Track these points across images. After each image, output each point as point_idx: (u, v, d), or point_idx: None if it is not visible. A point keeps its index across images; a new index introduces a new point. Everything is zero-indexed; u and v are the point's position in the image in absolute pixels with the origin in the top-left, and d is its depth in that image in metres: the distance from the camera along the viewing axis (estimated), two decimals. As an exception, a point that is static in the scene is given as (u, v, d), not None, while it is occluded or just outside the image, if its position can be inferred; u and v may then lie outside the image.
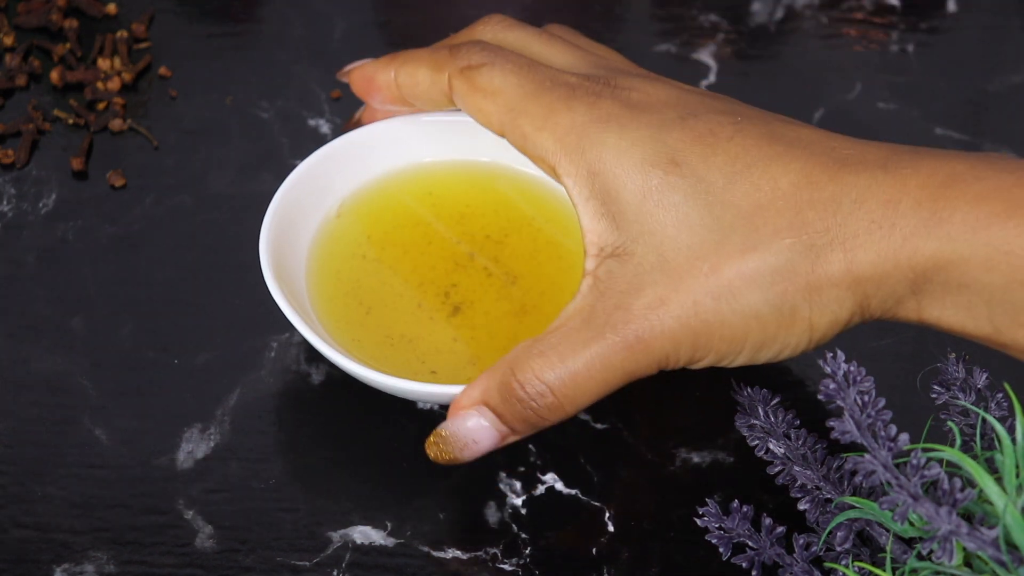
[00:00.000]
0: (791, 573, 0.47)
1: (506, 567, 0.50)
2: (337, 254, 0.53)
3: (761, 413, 0.49)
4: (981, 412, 0.46)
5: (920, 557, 0.44)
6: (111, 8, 0.65)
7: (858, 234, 0.44)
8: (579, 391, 0.46)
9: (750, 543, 0.48)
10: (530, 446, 0.52)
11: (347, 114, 0.62)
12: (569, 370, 0.45)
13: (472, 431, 0.47)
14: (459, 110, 0.52)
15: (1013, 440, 0.43)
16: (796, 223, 0.45)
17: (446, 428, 0.47)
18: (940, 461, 0.44)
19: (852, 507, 0.45)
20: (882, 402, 0.44)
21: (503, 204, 0.54)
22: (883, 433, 0.44)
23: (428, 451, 0.48)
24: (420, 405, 0.53)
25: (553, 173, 0.48)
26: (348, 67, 0.54)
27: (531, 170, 0.54)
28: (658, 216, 0.46)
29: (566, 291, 0.50)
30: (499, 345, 0.49)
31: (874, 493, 0.46)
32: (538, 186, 0.54)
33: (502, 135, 0.50)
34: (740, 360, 0.47)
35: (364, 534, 0.50)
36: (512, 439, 0.47)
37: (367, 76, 0.53)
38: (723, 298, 0.45)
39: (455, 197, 0.54)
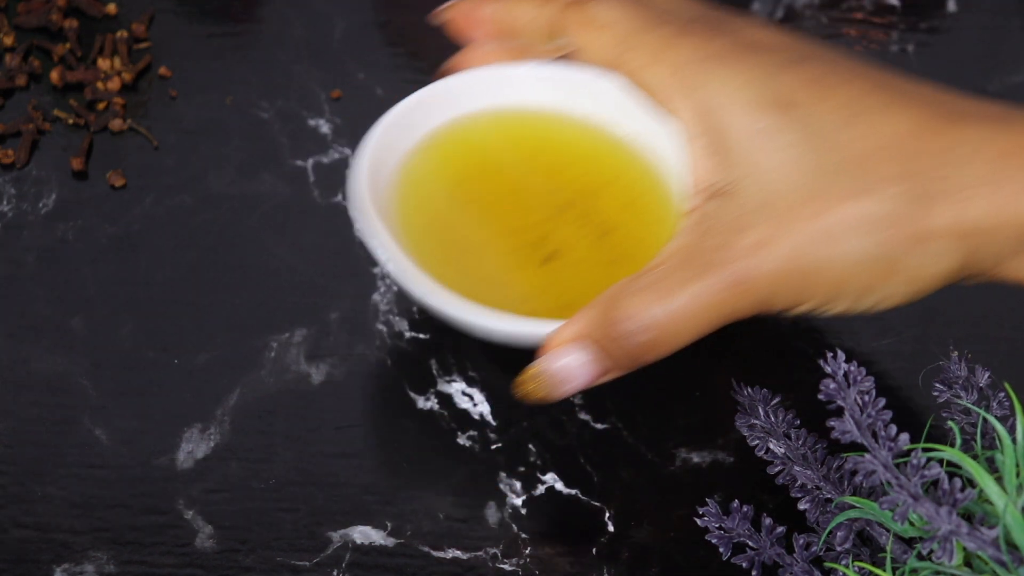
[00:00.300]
0: (791, 573, 0.47)
1: (506, 567, 0.50)
2: (430, 198, 0.52)
3: (761, 413, 0.49)
4: (981, 412, 0.46)
5: (920, 557, 0.44)
6: (111, 8, 0.65)
7: (968, 187, 0.44)
8: (681, 328, 0.45)
9: (750, 543, 0.48)
10: (530, 446, 0.52)
11: (347, 114, 0.62)
12: (670, 308, 0.45)
13: (568, 368, 0.46)
14: (553, 61, 0.51)
15: (1013, 440, 0.43)
16: (906, 172, 0.44)
17: (541, 365, 0.46)
18: (940, 461, 0.44)
19: (852, 507, 0.45)
20: (882, 402, 0.44)
21: (596, 157, 0.53)
22: (883, 433, 0.44)
23: (519, 390, 0.47)
24: (422, 404, 0.53)
25: (664, 107, 0.48)
26: (443, 6, 0.53)
27: (624, 127, 0.53)
28: (767, 156, 0.45)
29: (659, 244, 0.49)
30: (592, 293, 0.48)
31: (874, 493, 0.46)
32: (630, 143, 0.53)
33: (612, 69, 0.49)
34: (838, 308, 0.46)
35: (364, 534, 0.50)
36: (610, 376, 0.47)
37: (467, 11, 0.52)
38: (827, 242, 0.44)
39: (549, 147, 0.53)
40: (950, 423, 0.47)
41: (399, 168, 0.52)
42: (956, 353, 0.49)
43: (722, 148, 0.46)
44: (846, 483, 0.47)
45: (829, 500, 0.47)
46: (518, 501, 0.51)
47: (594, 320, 0.46)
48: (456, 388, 0.54)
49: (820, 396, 0.45)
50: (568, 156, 0.53)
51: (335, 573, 0.50)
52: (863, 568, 0.46)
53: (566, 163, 0.53)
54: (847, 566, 0.46)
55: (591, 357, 0.46)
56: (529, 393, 0.47)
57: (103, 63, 0.63)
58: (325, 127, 0.62)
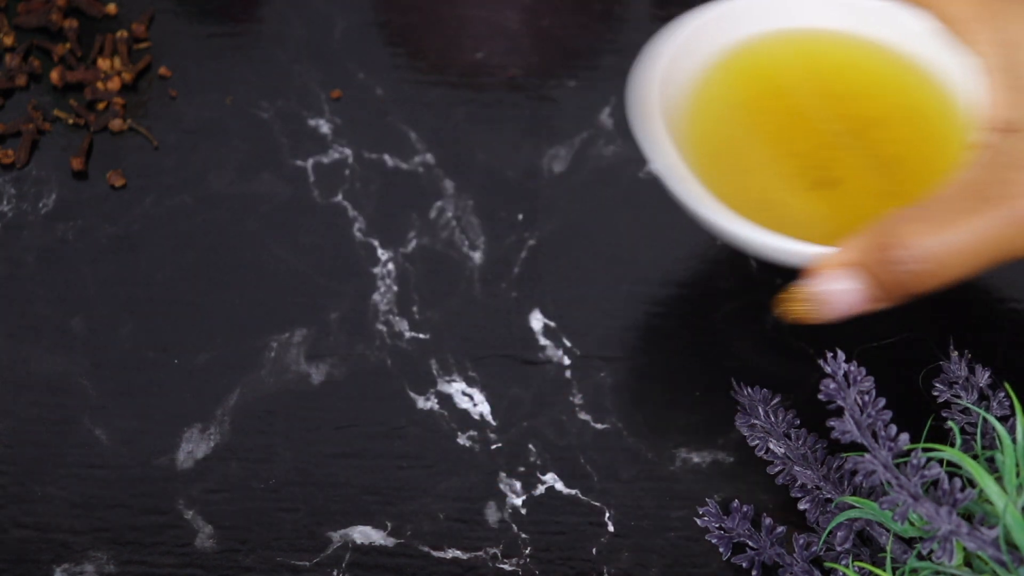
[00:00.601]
0: (791, 573, 0.47)
1: (506, 567, 0.50)
2: (716, 118, 0.52)
3: (761, 413, 0.49)
4: (981, 412, 0.46)
5: (920, 557, 0.44)
6: (111, 8, 0.65)
7: None
8: (956, 261, 0.44)
9: (750, 543, 0.48)
10: (530, 446, 0.52)
11: (347, 114, 0.62)
12: (947, 239, 0.44)
13: (835, 292, 0.46)
14: None
15: (1013, 440, 0.43)
16: None
17: (810, 287, 0.46)
18: (940, 461, 0.44)
19: (852, 507, 0.45)
20: (882, 402, 0.44)
21: (885, 85, 0.52)
22: (883, 433, 0.44)
23: (778, 307, 0.47)
24: (422, 404, 0.53)
25: (964, 39, 0.48)
26: None
27: (915, 56, 0.52)
28: None
29: (941, 176, 0.49)
30: (867, 223, 0.47)
31: (874, 493, 0.46)
32: (920, 73, 0.52)
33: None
34: None
35: (364, 534, 0.50)
36: (877, 306, 0.46)
37: None
38: None
39: (838, 72, 0.53)
40: (950, 423, 0.47)
41: (687, 86, 0.52)
42: (956, 353, 0.49)
43: (1022, 84, 0.46)
44: (846, 483, 0.47)
45: (829, 500, 0.47)
46: (518, 501, 0.51)
47: (867, 246, 0.45)
48: (456, 388, 0.54)
49: (820, 396, 0.45)
50: (856, 82, 0.52)
51: (335, 573, 0.50)
52: (863, 568, 0.46)
53: (854, 89, 0.52)
54: (847, 566, 0.46)
55: (860, 284, 0.45)
56: (790, 312, 0.46)
57: (103, 63, 0.63)
58: (325, 127, 0.62)
